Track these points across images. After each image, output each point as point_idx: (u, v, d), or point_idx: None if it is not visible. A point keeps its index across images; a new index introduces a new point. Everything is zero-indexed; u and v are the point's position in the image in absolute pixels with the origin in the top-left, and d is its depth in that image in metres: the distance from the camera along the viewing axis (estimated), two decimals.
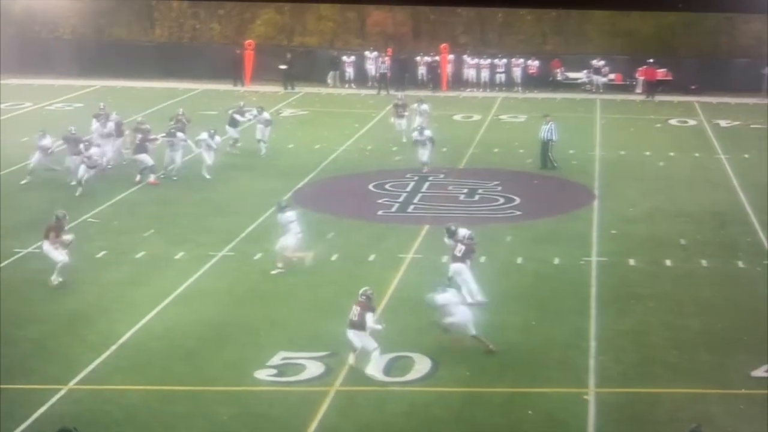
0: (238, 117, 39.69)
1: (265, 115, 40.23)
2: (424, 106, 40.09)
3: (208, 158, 35.09)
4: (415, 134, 36.84)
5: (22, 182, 34.41)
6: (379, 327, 19.86)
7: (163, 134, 36.49)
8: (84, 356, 20.98)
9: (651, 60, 56.22)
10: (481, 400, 19.87)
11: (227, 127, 39.36)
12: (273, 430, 17.03)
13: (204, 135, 35.84)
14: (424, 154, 36.20)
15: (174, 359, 21.14)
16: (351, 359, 20.34)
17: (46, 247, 24.47)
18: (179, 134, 35.86)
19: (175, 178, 35.19)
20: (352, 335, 19.99)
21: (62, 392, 19.21)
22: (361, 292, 20.51)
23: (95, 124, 37.87)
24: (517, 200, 34.13)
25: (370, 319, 19.57)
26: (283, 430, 17.46)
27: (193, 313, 22.35)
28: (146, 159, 34.58)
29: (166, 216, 28.52)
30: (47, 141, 35.55)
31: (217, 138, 36.49)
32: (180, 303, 24.39)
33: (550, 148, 37.76)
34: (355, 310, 19.90)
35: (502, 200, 34.35)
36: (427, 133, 36.72)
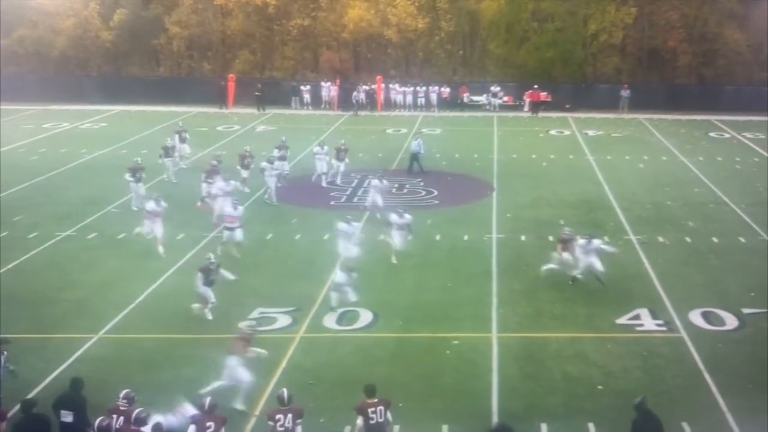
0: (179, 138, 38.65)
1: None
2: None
3: (271, 183, 32.99)
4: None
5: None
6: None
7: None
8: (109, 313, 21.59)
9: (536, 86, 56.57)
10: (411, 343, 20.03)
11: (182, 144, 38.59)
12: (254, 366, 16.87)
13: (317, 148, 35.62)
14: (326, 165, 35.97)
15: (177, 314, 21.41)
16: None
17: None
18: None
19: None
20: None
21: (93, 340, 20.03)
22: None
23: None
24: (435, 192, 34.22)
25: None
26: (262, 366, 17.39)
27: (191, 279, 22.08)
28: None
29: (170, 206, 28.19)
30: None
31: (326, 147, 35.84)
32: (181, 272, 24.55)
33: (419, 158, 37.55)
34: None
35: (424, 192, 34.46)
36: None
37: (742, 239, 28.48)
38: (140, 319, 21.42)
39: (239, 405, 16.25)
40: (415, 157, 37.40)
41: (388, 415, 13.98)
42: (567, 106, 56.01)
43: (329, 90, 57.90)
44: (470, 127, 50.32)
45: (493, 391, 17.80)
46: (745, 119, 53.55)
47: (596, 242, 23.84)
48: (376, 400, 14.03)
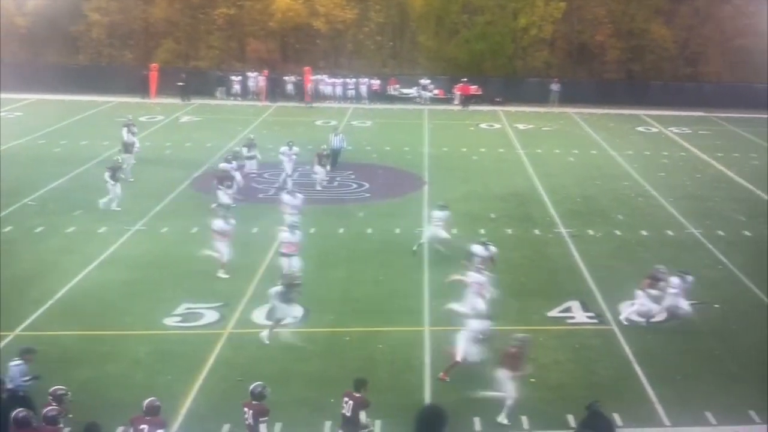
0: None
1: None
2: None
3: (288, 168, 33.40)
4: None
5: None
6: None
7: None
8: (27, 309, 20.88)
9: (465, 79, 56.81)
10: (343, 338, 19.86)
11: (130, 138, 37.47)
12: (180, 363, 16.82)
13: (284, 148, 34.24)
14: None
15: (99, 310, 20.95)
16: None
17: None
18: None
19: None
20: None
21: (10, 337, 19.24)
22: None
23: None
24: (367, 186, 34.15)
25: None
26: (188, 363, 17.30)
27: (114, 274, 21.90)
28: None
29: (91, 199, 27.73)
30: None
31: (295, 148, 34.64)
32: (103, 267, 24.06)
33: (339, 154, 37.06)
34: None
35: (355, 186, 34.36)
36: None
37: (670, 232, 29.02)
38: (60, 315, 20.80)
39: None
40: (337, 153, 36.91)
41: (360, 415, 13.91)
42: (497, 99, 56.40)
43: (257, 80, 57.37)
44: (401, 120, 50.36)
45: (426, 384, 17.87)
46: (672, 114, 54.68)
47: (690, 279, 21.50)
48: (357, 395, 14.12)
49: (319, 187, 33.32)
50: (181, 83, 55.57)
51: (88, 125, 42.76)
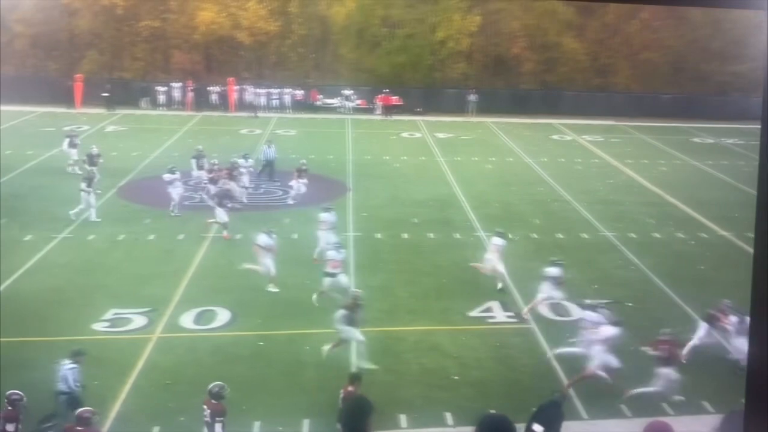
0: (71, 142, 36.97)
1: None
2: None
3: (246, 180, 32.72)
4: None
5: None
6: None
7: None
8: None
9: (387, 90, 57.05)
10: (271, 340, 19.78)
11: (71, 149, 36.71)
12: (109, 368, 16.47)
13: (240, 160, 33.52)
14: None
15: (26, 318, 20.33)
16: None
17: None
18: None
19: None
20: None
21: None
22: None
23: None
24: (292, 193, 33.80)
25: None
26: (117, 368, 16.96)
27: (41, 281, 21.39)
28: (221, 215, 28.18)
29: (17, 208, 27.07)
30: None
31: (251, 160, 34.38)
32: (30, 275, 23.46)
33: (274, 164, 36.48)
34: None
35: (281, 192, 34.03)
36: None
37: (584, 235, 29.48)
38: None
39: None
40: (271, 163, 36.45)
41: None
42: (418, 109, 56.61)
43: (181, 91, 56.80)
44: (324, 129, 50.30)
45: None
46: (585, 123, 55.64)
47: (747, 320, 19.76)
48: (350, 389, 14.40)
49: (291, 201, 32.54)
50: (106, 93, 54.66)
51: (12, 135, 41.74)
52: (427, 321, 21.46)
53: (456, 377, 18.35)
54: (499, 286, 23.58)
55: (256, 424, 15.38)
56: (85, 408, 13.56)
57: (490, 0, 61.38)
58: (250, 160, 34.11)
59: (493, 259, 23.94)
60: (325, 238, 25.22)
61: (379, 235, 28.66)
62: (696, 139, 52.11)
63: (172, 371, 17.83)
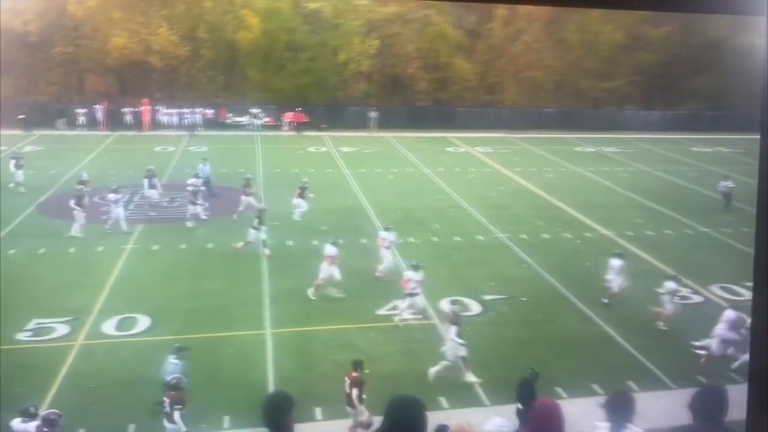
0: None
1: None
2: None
3: (199, 197, 31.36)
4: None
5: None
6: None
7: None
8: None
9: (299, 108, 57.10)
10: (193, 344, 19.14)
11: (17, 171, 35.44)
12: (33, 375, 15.84)
13: (193, 179, 32.03)
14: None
15: None
16: None
17: None
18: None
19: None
20: None
21: None
22: None
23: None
24: (206, 205, 33.03)
25: None
26: (42, 375, 16.33)
27: None
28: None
29: None
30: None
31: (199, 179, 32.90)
32: None
33: (210, 180, 35.51)
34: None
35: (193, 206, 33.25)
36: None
37: (480, 237, 29.76)
38: None
39: None
40: (207, 180, 35.12)
41: (353, 390, 15.13)
42: (323, 126, 56.43)
43: (96, 112, 55.51)
44: (235, 145, 49.65)
45: (269, 381, 17.59)
46: (476, 136, 56.39)
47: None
48: (354, 374, 15.32)
49: (297, 218, 31.23)
50: (22, 116, 52.88)
51: None
52: (338, 320, 21.32)
53: (367, 371, 18.19)
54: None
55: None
56: (52, 410, 13.31)
57: (387, 25, 61.67)
58: (201, 179, 33.25)
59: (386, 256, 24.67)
60: (387, 255, 25.00)
61: (290, 243, 28.37)
62: (578, 149, 53.28)
63: (95, 376, 17.28)
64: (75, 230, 28.10)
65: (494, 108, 63.84)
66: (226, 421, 15.48)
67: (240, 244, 26.69)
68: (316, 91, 60.74)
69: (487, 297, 23.35)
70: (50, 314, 20.62)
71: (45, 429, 12.83)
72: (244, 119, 56.88)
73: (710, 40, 66.33)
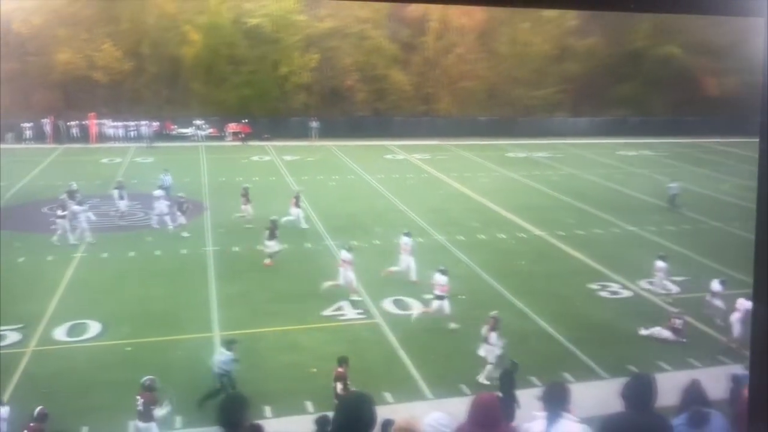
0: None
1: None
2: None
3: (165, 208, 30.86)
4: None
5: None
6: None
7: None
8: None
9: (245, 120, 56.69)
10: (142, 348, 19.08)
11: None
12: None
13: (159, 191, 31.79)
14: None
15: None
16: None
17: None
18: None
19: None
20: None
21: None
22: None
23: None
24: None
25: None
26: None
27: None
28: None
29: None
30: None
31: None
32: None
33: (170, 190, 34.42)
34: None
35: (142, 214, 32.85)
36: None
37: (420, 239, 29.80)
38: None
39: None
40: (167, 189, 34.13)
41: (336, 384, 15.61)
42: (266, 136, 56.09)
43: (44, 126, 54.30)
44: (180, 156, 48.99)
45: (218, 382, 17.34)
46: (414, 143, 56.59)
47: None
48: (340, 370, 15.82)
49: (304, 226, 31.01)
50: None
51: None
52: (285, 322, 21.25)
53: (314, 369, 18.19)
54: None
55: (131, 424, 14.68)
56: (42, 407, 13.36)
57: (325, 39, 61.63)
58: (162, 191, 32.61)
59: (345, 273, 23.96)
60: (407, 259, 25.02)
61: (236, 248, 28.16)
62: (510, 154, 53.80)
63: (48, 380, 16.95)
64: (78, 237, 27.86)
65: (430, 117, 64.21)
66: (178, 421, 15.31)
67: (268, 261, 26.37)
68: (259, 102, 60.32)
69: (428, 296, 23.35)
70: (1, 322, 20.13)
71: (38, 423, 12.95)
72: (188, 130, 56.27)
73: (632, 51, 67.80)
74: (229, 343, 16.95)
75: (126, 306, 21.94)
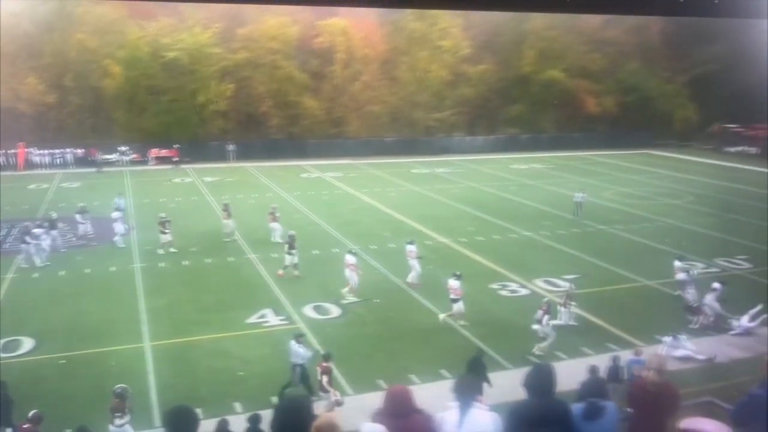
0: None
1: None
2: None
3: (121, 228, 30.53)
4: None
5: None
6: None
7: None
8: None
9: (176, 145, 55.72)
10: (75, 361, 18.39)
11: None
12: None
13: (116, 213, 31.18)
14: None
15: None
16: None
17: None
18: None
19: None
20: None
21: None
22: None
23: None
24: (81, 234, 31.54)
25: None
26: None
27: None
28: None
29: None
30: None
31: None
32: None
33: (124, 212, 33.84)
34: None
35: (71, 235, 31.70)
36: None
37: (335, 249, 29.77)
38: None
39: None
40: (124, 212, 33.33)
41: (323, 378, 16.04)
42: (187, 159, 55.14)
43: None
44: (105, 180, 47.52)
45: (151, 389, 17.01)
46: (327, 163, 56.66)
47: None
48: (325, 364, 16.20)
49: (278, 239, 30.58)
50: None
51: None
52: (212, 330, 20.87)
53: (241, 373, 17.93)
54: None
55: (68, 431, 14.15)
56: (36, 411, 13.17)
57: (239, 70, 61.07)
58: (121, 212, 32.03)
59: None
60: (415, 265, 25.44)
61: (162, 264, 27.52)
62: (415, 171, 54.22)
63: None
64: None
65: (341, 139, 64.32)
66: (112, 430, 14.71)
67: (281, 271, 26.07)
68: (178, 128, 59.25)
69: (345, 301, 23.40)
70: None
71: (32, 425, 12.82)
72: (112, 156, 54.82)
73: (520, 75, 69.51)
74: (298, 336, 17.34)
75: (58, 322, 21.18)
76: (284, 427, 5.17)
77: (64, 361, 18.33)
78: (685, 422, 10.34)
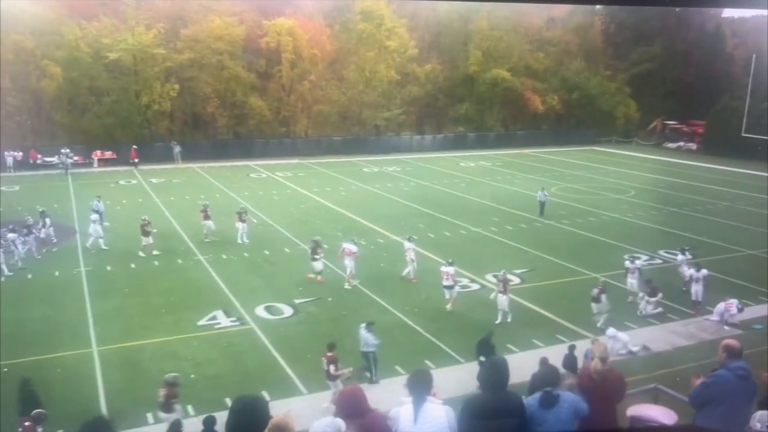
0: None
1: None
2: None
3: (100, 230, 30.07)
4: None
5: None
6: None
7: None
8: None
9: (135, 146, 54.43)
10: (19, 368, 17.65)
11: None
12: None
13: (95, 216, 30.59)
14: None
15: None
16: None
17: None
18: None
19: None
20: None
21: None
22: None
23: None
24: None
25: None
26: None
27: None
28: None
29: None
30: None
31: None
32: None
33: (102, 215, 32.54)
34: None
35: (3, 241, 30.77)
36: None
37: (286, 249, 29.55)
38: None
39: None
40: (101, 214, 32.10)
41: (330, 367, 16.12)
42: (134, 161, 53.93)
43: None
44: (47, 183, 46.38)
45: (100, 394, 16.62)
46: (276, 162, 56.20)
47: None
48: (330, 354, 16.22)
49: (242, 241, 30.72)
50: None
51: None
52: (162, 333, 20.48)
53: (192, 376, 17.60)
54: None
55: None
56: (39, 410, 13.15)
57: (184, 70, 60.24)
58: (99, 215, 31.14)
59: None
60: (410, 261, 25.87)
61: (109, 268, 26.92)
62: (365, 169, 54.08)
63: None
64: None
65: (290, 138, 63.99)
66: None
67: (312, 275, 25.54)
68: (123, 130, 58.26)
69: (298, 300, 23.22)
70: None
71: (32, 423, 12.72)
72: (54, 159, 53.42)
73: (466, 75, 70.02)
74: (368, 324, 17.74)
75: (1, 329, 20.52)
76: (238, 428, 5.06)
77: (6, 370, 17.75)
78: (632, 409, 10.50)
